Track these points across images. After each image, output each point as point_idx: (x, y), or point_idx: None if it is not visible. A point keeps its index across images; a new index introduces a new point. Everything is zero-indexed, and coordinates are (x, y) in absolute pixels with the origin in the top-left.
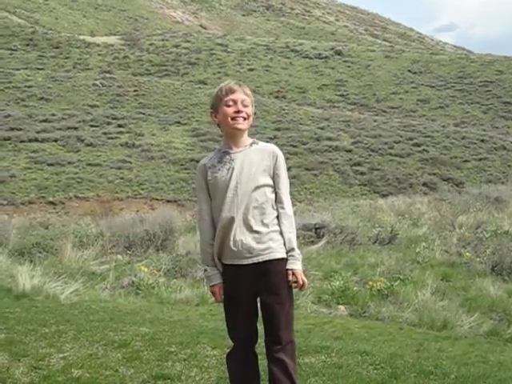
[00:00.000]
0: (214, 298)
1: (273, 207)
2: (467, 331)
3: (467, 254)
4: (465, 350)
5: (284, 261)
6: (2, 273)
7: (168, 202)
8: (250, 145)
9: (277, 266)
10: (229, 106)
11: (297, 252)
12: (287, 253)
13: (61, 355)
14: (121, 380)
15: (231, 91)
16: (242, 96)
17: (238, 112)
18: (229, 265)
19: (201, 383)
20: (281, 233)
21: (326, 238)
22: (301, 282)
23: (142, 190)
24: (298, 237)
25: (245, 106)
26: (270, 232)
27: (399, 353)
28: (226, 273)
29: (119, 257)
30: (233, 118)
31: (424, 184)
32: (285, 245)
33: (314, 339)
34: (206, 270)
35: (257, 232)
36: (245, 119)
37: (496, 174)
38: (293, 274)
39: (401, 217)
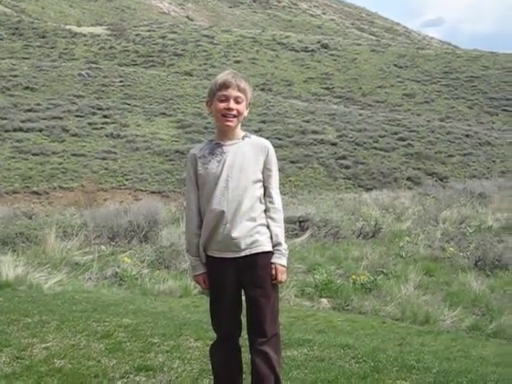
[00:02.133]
0: (200, 288)
1: (261, 201)
2: (449, 326)
3: (450, 248)
4: (447, 344)
5: (271, 254)
6: None
7: (152, 193)
8: (242, 138)
9: (263, 259)
10: (221, 101)
11: (283, 247)
12: (273, 247)
13: (43, 345)
14: (103, 371)
15: (225, 86)
16: (235, 93)
17: (229, 110)
18: (215, 257)
19: (183, 375)
20: (268, 227)
21: (309, 231)
22: (279, 279)
23: (127, 180)
24: None
25: (237, 103)
26: (257, 226)
27: (381, 347)
28: (212, 265)
29: (103, 247)
30: (223, 115)
31: (408, 178)
32: (272, 238)
33: (297, 332)
34: (190, 259)
35: (245, 226)
36: (235, 116)
37: (480, 170)
38: (275, 268)
39: (385, 211)
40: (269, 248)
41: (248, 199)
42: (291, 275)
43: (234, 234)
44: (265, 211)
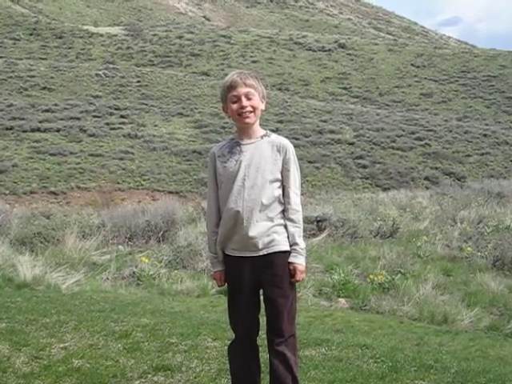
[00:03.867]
0: (216, 285)
1: (280, 201)
2: (467, 326)
3: (468, 248)
4: (465, 344)
5: (288, 254)
6: (3, 262)
7: (170, 193)
8: (262, 137)
9: (281, 259)
10: (233, 102)
11: (300, 247)
12: (290, 246)
13: (61, 345)
14: (121, 371)
15: (232, 87)
16: (244, 90)
17: (243, 108)
18: (233, 256)
19: (201, 375)
20: (286, 227)
21: (327, 231)
22: (298, 278)
23: (144, 180)
24: None
25: (249, 99)
26: (275, 226)
27: (399, 346)
28: (230, 264)
29: (120, 247)
30: (239, 114)
31: (426, 178)
32: (289, 238)
33: (315, 332)
34: (209, 256)
35: (262, 226)
36: (251, 112)
37: (498, 169)
38: (294, 268)
39: (402, 211)
40: (286, 247)
41: (265, 199)
42: (309, 275)
43: (252, 234)
44: (283, 211)
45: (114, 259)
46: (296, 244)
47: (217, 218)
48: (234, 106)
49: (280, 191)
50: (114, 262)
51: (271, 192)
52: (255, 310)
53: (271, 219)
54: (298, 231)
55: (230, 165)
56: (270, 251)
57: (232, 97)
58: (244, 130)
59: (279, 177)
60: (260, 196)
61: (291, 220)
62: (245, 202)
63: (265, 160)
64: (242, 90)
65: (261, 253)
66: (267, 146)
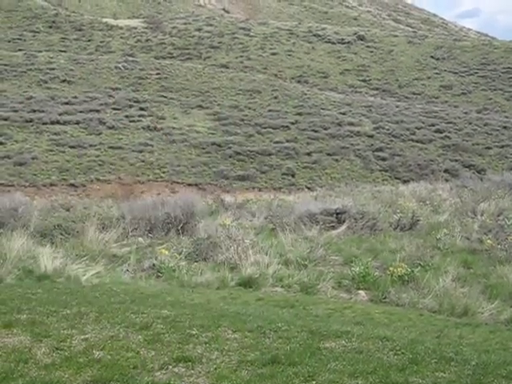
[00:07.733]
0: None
1: None
2: (488, 318)
3: (488, 241)
4: (485, 337)
5: None
6: (23, 254)
7: (189, 185)
8: None
9: None
10: None
11: None
12: None
13: (82, 336)
14: (142, 362)
15: None
16: None
17: None
18: None
19: (222, 366)
20: None
21: (346, 223)
22: None
23: (164, 173)
24: (318, 222)
25: None
26: None
27: (419, 339)
28: None
29: (140, 239)
30: None
31: (445, 170)
32: None
33: (335, 324)
34: None
35: None
36: None
37: None
38: None
39: (422, 203)
40: None
41: None
42: (328, 267)
43: None
44: None
45: (133, 251)
46: None
47: None
48: None
49: None
50: (133, 254)
51: None
52: None
53: None
54: None
55: None
56: None
57: None
58: None
59: None
60: None
61: None
62: None
63: None
64: None
65: None
66: None
